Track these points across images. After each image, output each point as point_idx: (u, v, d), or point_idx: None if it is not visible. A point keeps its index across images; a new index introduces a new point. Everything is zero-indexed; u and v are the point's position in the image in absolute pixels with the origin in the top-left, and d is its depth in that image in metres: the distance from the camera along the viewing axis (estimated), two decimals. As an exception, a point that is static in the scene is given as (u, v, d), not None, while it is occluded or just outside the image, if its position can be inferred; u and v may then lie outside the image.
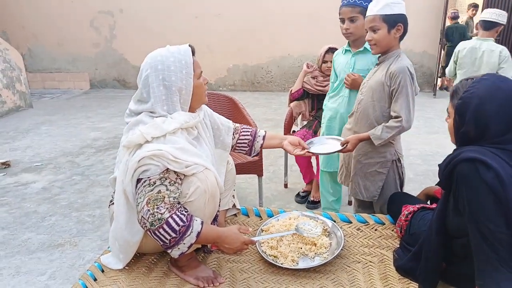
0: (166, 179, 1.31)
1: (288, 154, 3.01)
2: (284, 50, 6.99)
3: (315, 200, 2.79)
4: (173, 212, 1.27)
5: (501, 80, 1.19)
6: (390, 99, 1.80)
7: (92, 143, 4.38)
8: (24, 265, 2.21)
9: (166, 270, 1.52)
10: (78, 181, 3.35)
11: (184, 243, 1.28)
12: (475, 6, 6.84)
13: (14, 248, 2.37)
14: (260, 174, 2.59)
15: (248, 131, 1.78)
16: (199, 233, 1.31)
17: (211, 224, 1.55)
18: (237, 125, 1.83)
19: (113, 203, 1.52)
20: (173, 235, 1.26)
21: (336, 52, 2.30)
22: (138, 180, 1.33)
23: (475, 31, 5.43)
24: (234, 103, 2.84)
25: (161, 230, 1.24)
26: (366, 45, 2.09)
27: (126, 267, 1.49)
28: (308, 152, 1.74)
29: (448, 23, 6.60)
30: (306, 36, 6.65)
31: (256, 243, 1.61)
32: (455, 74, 3.43)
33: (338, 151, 1.80)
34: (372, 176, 1.91)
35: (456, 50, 3.38)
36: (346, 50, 2.20)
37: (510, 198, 1.07)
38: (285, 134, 3.01)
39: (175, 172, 1.32)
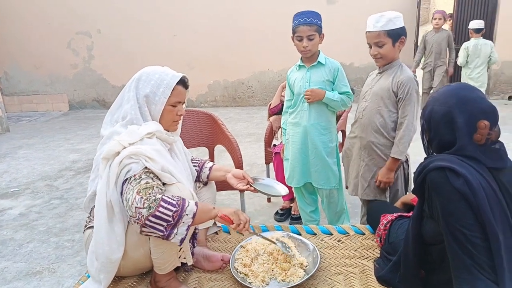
0: (150, 173, 1.34)
1: (271, 168, 3.04)
2: (263, 65, 7.07)
3: (297, 215, 2.78)
4: (163, 193, 1.29)
5: (462, 88, 1.23)
6: (397, 106, 1.91)
7: (71, 166, 4.30)
8: (-1, 295, 2.13)
9: (146, 293, 1.49)
10: (57, 205, 3.27)
11: (187, 214, 1.28)
12: (451, 16, 7.09)
13: (-11, 279, 2.28)
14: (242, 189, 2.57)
15: (196, 163, 1.80)
16: (196, 202, 1.33)
17: (190, 241, 1.54)
18: (192, 155, 1.85)
19: (88, 228, 1.49)
20: (174, 208, 1.26)
21: (290, 70, 2.33)
22: (124, 182, 1.33)
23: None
24: (213, 120, 2.84)
25: (160, 208, 1.24)
26: (320, 59, 2.17)
27: (105, 292, 1.45)
28: (251, 187, 1.71)
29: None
30: (285, 51, 6.70)
31: (230, 259, 1.60)
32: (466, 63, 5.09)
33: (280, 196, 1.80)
34: None
35: (465, 46, 4.98)
36: (300, 66, 2.25)
37: (481, 203, 1.09)
38: (265, 148, 3.03)
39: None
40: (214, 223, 1.86)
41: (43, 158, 4.63)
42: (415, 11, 6.52)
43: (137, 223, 1.24)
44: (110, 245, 1.36)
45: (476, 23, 4.97)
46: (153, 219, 1.23)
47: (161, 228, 1.24)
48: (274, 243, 1.62)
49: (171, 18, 6.94)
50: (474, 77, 4.98)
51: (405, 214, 1.63)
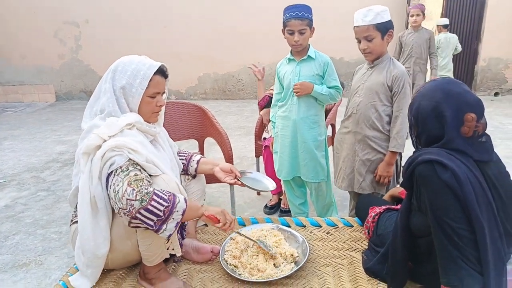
0: (137, 165, 1.32)
1: (261, 161, 3.05)
2: (254, 58, 6.97)
3: (286, 208, 2.80)
4: (154, 187, 1.29)
5: (447, 82, 1.26)
6: (391, 100, 1.94)
7: (58, 157, 4.24)
8: (-15, 288, 2.10)
9: (135, 285, 1.49)
10: (44, 197, 3.23)
11: (177, 210, 1.28)
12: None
13: (-26, 271, 2.25)
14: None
15: (183, 156, 1.77)
16: (185, 199, 1.32)
17: (179, 233, 1.54)
18: (179, 149, 1.83)
19: (74, 222, 1.48)
20: (165, 203, 1.25)
21: (279, 63, 2.33)
22: (108, 175, 1.31)
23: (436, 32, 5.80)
24: (203, 112, 2.83)
25: (152, 202, 1.23)
26: (310, 53, 2.17)
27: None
28: (239, 181, 1.71)
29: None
30: (274, 44, 6.68)
31: (220, 251, 1.60)
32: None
33: (268, 190, 1.79)
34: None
35: (437, 39, 5.16)
36: (290, 59, 2.25)
37: (468, 196, 1.12)
38: (256, 141, 3.03)
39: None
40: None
41: (29, 149, 4.56)
42: (405, 7, 6.56)
43: (127, 215, 1.23)
44: (96, 240, 1.35)
45: (444, 20, 5.53)
46: (144, 213, 1.22)
47: (151, 222, 1.24)
48: (255, 241, 1.61)
49: (161, 9, 6.85)
50: (443, 65, 5.35)
51: (393, 206, 1.65)
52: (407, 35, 4.43)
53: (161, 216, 1.24)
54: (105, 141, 1.33)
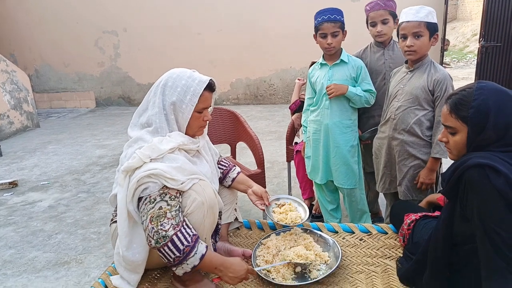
0: (166, 195, 1.34)
1: (292, 166, 3.04)
2: (285, 63, 7.05)
3: (318, 214, 2.77)
4: (178, 229, 1.30)
5: (497, 85, 1.20)
6: (433, 104, 1.87)
7: (97, 161, 4.43)
8: (31, 283, 2.22)
9: (169, 285, 1.52)
10: (84, 198, 3.38)
11: (187, 264, 1.32)
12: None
13: (21, 267, 2.39)
14: (263, 186, 2.58)
15: (223, 167, 1.78)
16: (203, 255, 1.33)
17: (213, 237, 1.56)
18: (221, 157, 1.84)
19: (114, 222, 1.54)
20: (177, 254, 1.29)
21: (311, 68, 2.31)
22: (139, 199, 1.36)
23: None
24: (236, 117, 2.87)
25: (165, 248, 1.28)
26: (343, 57, 2.15)
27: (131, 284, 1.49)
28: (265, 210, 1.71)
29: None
30: (306, 49, 6.67)
31: (252, 256, 1.62)
32: None
33: (297, 225, 1.72)
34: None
35: None
36: (322, 64, 2.23)
37: None
38: (287, 145, 3.03)
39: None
40: (236, 219, 1.88)
41: (71, 153, 4.79)
42: (443, 7, 6.34)
43: (148, 245, 1.33)
44: (135, 249, 1.40)
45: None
46: (158, 251, 1.31)
47: (166, 260, 1.31)
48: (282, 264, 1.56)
49: (196, 17, 7.01)
50: None
51: (430, 214, 1.60)
52: (370, 56, 2.30)
53: (171, 262, 1.31)
54: (145, 163, 1.36)
